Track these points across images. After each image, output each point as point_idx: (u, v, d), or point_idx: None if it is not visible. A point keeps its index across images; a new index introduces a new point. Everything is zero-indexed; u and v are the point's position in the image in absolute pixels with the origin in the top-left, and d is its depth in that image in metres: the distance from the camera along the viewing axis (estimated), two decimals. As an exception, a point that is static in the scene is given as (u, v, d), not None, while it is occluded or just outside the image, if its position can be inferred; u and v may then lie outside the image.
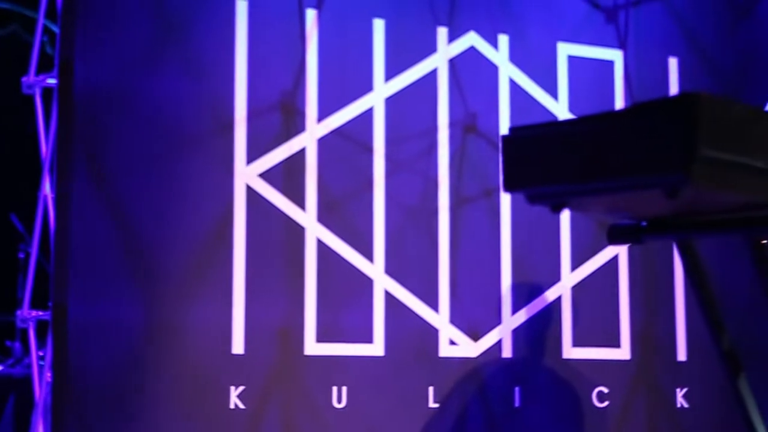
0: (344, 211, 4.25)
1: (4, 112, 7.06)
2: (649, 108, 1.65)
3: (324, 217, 4.21)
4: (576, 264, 4.61)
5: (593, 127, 1.71)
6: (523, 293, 4.51)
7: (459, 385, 4.36)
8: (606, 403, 4.60)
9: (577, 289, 4.61)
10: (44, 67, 4.38)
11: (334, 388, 4.16)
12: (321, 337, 4.16)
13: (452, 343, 4.36)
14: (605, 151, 1.68)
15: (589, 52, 4.73)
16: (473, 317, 4.40)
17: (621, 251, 4.68)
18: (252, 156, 4.13)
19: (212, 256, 4.03)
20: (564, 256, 4.59)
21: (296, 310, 4.13)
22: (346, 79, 4.30)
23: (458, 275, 4.39)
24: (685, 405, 4.72)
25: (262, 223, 4.11)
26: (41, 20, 4.48)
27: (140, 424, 3.87)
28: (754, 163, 1.71)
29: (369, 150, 4.30)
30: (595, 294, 4.64)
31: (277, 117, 4.18)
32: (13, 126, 6.76)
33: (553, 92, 4.64)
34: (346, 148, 4.27)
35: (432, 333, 4.34)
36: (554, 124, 1.76)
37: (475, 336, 4.40)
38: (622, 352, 4.65)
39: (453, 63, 4.48)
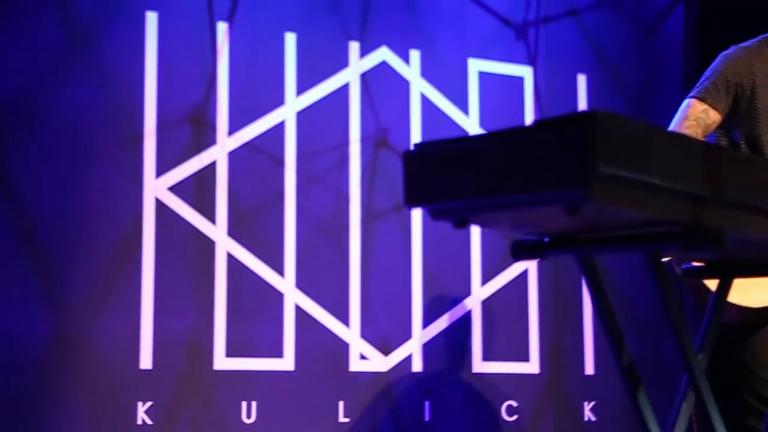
0: (255, 224, 4.23)
1: None
2: (548, 125, 1.67)
3: (234, 231, 4.19)
4: (486, 278, 4.64)
5: (494, 143, 1.72)
6: (434, 307, 4.53)
7: (369, 400, 4.36)
8: (515, 417, 4.63)
9: (488, 304, 4.64)
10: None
11: (244, 403, 4.14)
12: (231, 352, 4.13)
13: (363, 357, 4.36)
14: (506, 167, 1.70)
15: (499, 68, 4.77)
16: (384, 331, 4.41)
17: (531, 266, 4.72)
18: (161, 169, 4.09)
19: (120, 270, 3.99)
20: (474, 270, 4.62)
21: (205, 325, 4.10)
22: (257, 92, 4.29)
23: (369, 289, 4.40)
24: (593, 418, 4.78)
25: (172, 237, 4.08)
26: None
27: (45, 440, 3.81)
28: (653, 180, 1.73)
29: (280, 164, 4.29)
30: (505, 308, 4.68)
31: (188, 130, 4.16)
32: None
33: (464, 107, 4.68)
34: (257, 162, 4.25)
35: (342, 347, 4.33)
36: (456, 140, 1.76)
37: (386, 350, 4.41)
38: (532, 366, 4.69)
39: (365, 77, 4.49)
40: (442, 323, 4.54)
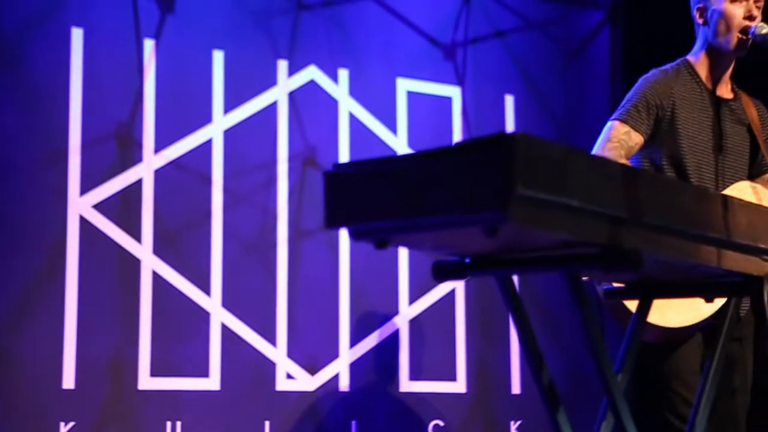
0: (181, 243, 4.20)
1: None
2: (468, 146, 1.68)
3: (160, 250, 4.15)
4: (414, 297, 4.65)
5: (414, 164, 1.73)
6: (362, 326, 4.53)
7: (296, 419, 4.34)
8: (442, 436, 4.64)
9: (415, 322, 4.65)
10: None
11: (168, 423, 4.10)
12: (155, 371, 4.09)
13: (289, 376, 4.34)
14: (426, 188, 1.70)
15: (427, 88, 4.79)
16: (311, 351, 4.40)
17: (458, 285, 4.74)
18: (86, 187, 4.05)
19: (43, 288, 3.93)
20: (402, 289, 4.63)
21: (130, 344, 4.06)
22: (184, 110, 4.26)
23: (296, 308, 4.38)
24: (519, 437, 4.80)
25: (96, 255, 4.03)
26: None
27: (-36, 462, 3.75)
28: (571, 202, 1.75)
29: (207, 182, 4.27)
30: (433, 327, 4.68)
31: (113, 147, 4.12)
32: None
33: (393, 127, 4.69)
34: (183, 180, 4.23)
35: (269, 366, 4.31)
36: (376, 161, 1.77)
37: (313, 370, 4.39)
38: (458, 386, 4.70)
39: (293, 96, 4.48)
40: (369, 342, 4.54)
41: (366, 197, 1.77)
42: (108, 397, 4.00)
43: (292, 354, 4.35)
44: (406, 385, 4.59)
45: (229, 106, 4.35)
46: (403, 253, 4.61)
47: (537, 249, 1.95)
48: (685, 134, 3.37)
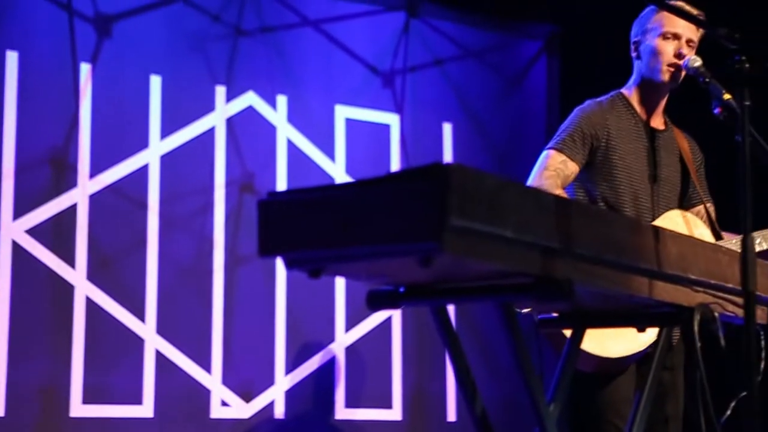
0: (116, 269, 4.16)
1: None
2: (403, 177, 1.68)
3: (94, 275, 4.11)
4: (350, 324, 4.64)
5: (349, 193, 1.73)
6: (298, 353, 4.51)
7: (230, 447, 4.31)
8: (378, 464, 4.63)
9: (351, 350, 4.63)
10: None
11: (101, 452, 4.05)
12: (87, 399, 4.04)
13: (224, 404, 4.31)
14: (361, 218, 1.70)
15: (366, 116, 4.80)
16: (246, 378, 4.37)
17: (395, 312, 4.74)
18: (19, 211, 4.00)
19: (-26, 314, 3.88)
20: (339, 316, 4.62)
21: (62, 371, 4.00)
22: (120, 135, 4.23)
23: (232, 335, 4.35)
24: (455, 465, 4.80)
25: (29, 281, 3.98)
26: None
27: None
28: (504, 232, 1.76)
29: (143, 207, 4.24)
30: (369, 355, 4.68)
31: (47, 171, 4.08)
32: None
33: (331, 154, 4.69)
34: (119, 205, 4.19)
35: (204, 394, 4.27)
36: (310, 190, 1.76)
37: (248, 397, 4.36)
38: (394, 413, 4.69)
39: (231, 122, 4.47)
40: (305, 369, 4.52)
41: (300, 226, 1.77)
42: (39, 425, 3.94)
43: (227, 381, 4.32)
44: (342, 412, 4.57)
45: (166, 131, 4.32)
46: (340, 281, 4.61)
47: (471, 279, 1.96)
48: (621, 164, 3.41)
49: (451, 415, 4.82)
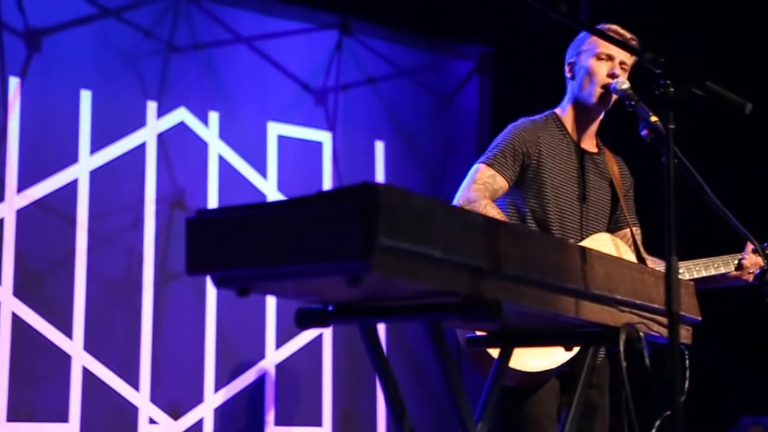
0: (43, 284, 4.11)
1: None
2: (331, 196, 1.69)
3: (21, 291, 4.06)
4: (281, 342, 4.62)
5: (278, 212, 1.73)
6: (227, 371, 4.48)
7: (158, 465, 4.27)
8: (307, 482, 4.61)
9: (282, 368, 4.62)
10: None
11: (25, 470, 3.99)
12: (12, 416, 3.98)
13: (152, 421, 4.27)
14: (288, 236, 1.70)
15: (298, 133, 4.80)
16: (175, 395, 4.34)
17: (325, 331, 4.73)
18: (-56, 225, 3.95)
19: None
20: (269, 333, 4.60)
21: (-13, 388, 3.95)
22: (49, 149, 4.19)
23: (160, 352, 4.32)
24: (384, 483, 4.80)
25: (-47, 296, 3.92)
26: None
27: None
28: (433, 252, 1.77)
29: (72, 223, 4.20)
30: (300, 372, 4.67)
31: (-26, 186, 4.02)
32: None
33: (263, 170, 4.68)
34: (47, 221, 4.15)
35: (131, 411, 4.23)
36: (239, 208, 1.76)
37: (176, 414, 4.33)
38: (324, 431, 4.68)
39: (162, 138, 4.44)
40: (235, 387, 4.50)
41: (229, 244, 1.76)
42: (-38, 443, 3.89)
43: (155, 398, 4.28)
44: (272, 430, 4.55)
45: (97, 146, 4.29)
46: (270, 298, 4.59)
47: (400, 298, 1.97)
48: (550, 183, 3.44)
49: (381, 433, 4.83)
